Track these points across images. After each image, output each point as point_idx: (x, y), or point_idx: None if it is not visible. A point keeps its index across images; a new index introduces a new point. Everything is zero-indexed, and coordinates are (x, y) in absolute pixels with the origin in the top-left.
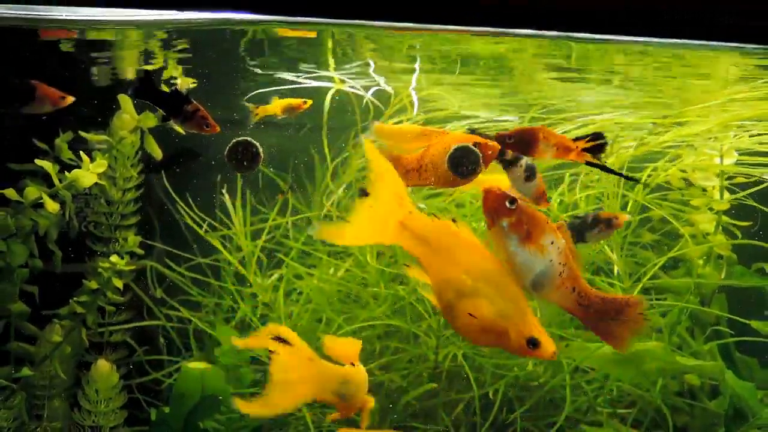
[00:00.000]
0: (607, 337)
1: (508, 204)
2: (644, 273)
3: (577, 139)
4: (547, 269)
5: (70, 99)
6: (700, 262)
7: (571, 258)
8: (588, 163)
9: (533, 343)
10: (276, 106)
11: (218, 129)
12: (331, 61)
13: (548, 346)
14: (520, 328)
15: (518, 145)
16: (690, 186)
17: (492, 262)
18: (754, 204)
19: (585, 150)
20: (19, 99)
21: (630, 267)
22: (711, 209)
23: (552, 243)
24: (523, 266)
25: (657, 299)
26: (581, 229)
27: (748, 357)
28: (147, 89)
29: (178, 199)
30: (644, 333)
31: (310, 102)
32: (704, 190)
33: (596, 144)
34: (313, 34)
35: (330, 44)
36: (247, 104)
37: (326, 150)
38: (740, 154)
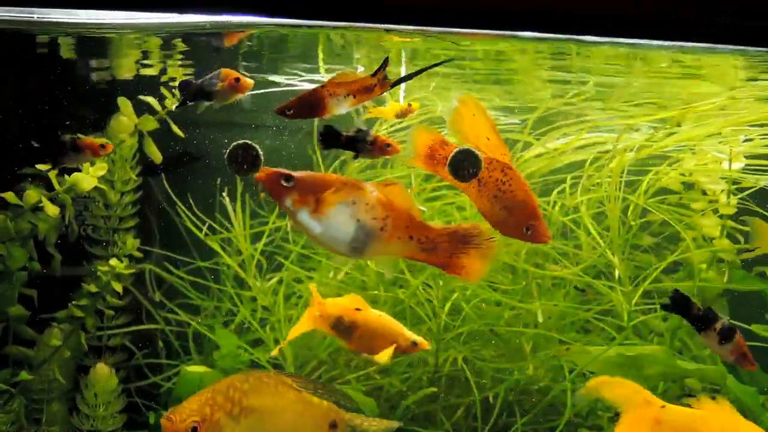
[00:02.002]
0: (461, 271)
1: (284, 182)
2: (645, 277)
3: (375, 73)
4: (359, 229)
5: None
6: (703, 266)
7: (399, 208)
8: (394, 84)
9: None
10: (390, 110)
11: (400, 149)
12: (322, 65)
13: None
14: None
15: (302, 112)
16: (690, 189)
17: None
18: (756, 208)
19: (386, 77)
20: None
21: (631, 270)
22: (715, 212)
23: (354, 203)
24: (326, 235)
25: (658, 303)
26: None
27: None
28: (332, 138)
29: (178, 202)
30: (493, 258)
31: (415, 105)
32: (704, 193)
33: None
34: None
35: (322, 47)
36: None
37: (318, 154)
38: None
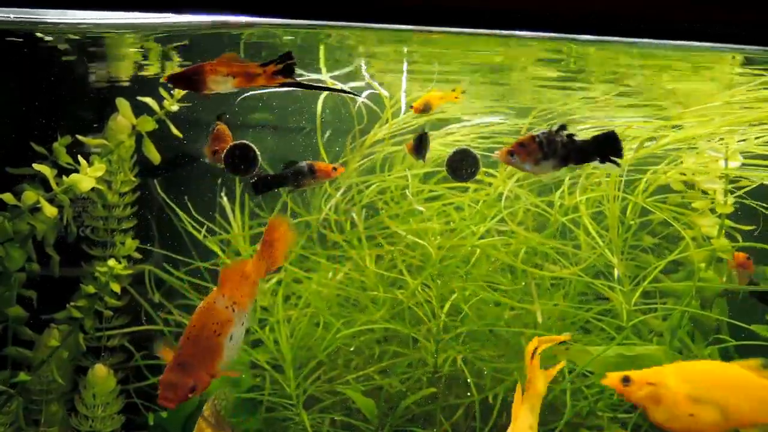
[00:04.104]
0: (273, 261)
1: (191, 394)
2: (644, 277)
3: (265, 64)
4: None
5: None
6: (702, 265)
7: (252, 298)
8: (283, 84)
9: None
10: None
11: (344, 169)
12: (323, 65)
13: None
14: None
15: (181, 83)
16: (690, 189)
17: None
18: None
19: (276, 73)
20: None
21: (630, 270)
22: (713, 211)
23: (231, 338)
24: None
25: (656, 303)
26: None
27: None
28: (264, 183)
29: (174, 205)
30: (295, 243)
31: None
32: (705, 192)
33: (287, 65)
34: None
35: (323, 48)
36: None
37: (323, 153)
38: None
